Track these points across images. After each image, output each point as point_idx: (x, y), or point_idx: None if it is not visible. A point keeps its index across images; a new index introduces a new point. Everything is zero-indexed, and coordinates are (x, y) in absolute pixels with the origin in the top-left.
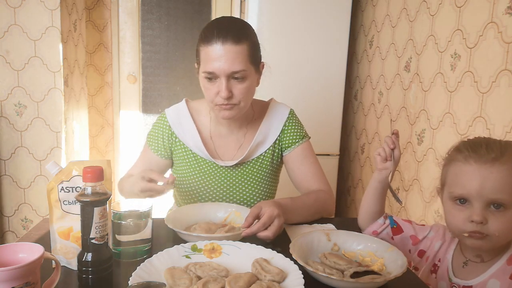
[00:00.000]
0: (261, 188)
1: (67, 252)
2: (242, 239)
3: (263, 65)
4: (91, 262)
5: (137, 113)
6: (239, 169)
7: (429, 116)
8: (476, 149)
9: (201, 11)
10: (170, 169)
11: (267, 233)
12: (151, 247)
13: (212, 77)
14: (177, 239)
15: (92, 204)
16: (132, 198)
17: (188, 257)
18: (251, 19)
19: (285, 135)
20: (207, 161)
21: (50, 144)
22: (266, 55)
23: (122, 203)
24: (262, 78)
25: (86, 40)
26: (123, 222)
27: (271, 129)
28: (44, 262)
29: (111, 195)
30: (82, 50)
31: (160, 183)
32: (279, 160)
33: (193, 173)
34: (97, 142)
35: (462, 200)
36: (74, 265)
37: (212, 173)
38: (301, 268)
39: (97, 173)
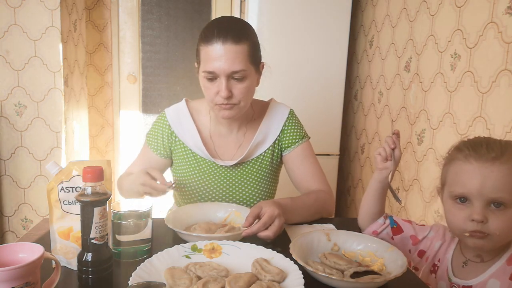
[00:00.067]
0: (261, 188)
1: (67, 252)
2: (242, 239)
3: (263, 65)
4: (91, 262)
5: (137, 113)
6: (239, 169)
7: (429, 116)
8: (477, 148)
9: (201, 11)
10: (169, 168)
11: (267, 233)
12: (151, 247)
13: (212, 76)
14: (177, 239)
15: (92, 204)
16: (130, 197)
17: (188, 257)
18: (251, 19)
19: (285, 135)
20: (207, 160)
21: (50, 144)
22: (266, 55)
23: (122, 203)
24: (262, 78)
25: (86, 40)
26: (123, 222)
27: (271, 129)
28: (44, 262)
29: (111, 195)
30: (82, 50)
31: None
32: (278, 160)
33: (193, 172)
34: (97, 142)
35: (463, 199)
36: (74, 265)
37: (212, 173)
38: (301, 268)
39: (97, 173)
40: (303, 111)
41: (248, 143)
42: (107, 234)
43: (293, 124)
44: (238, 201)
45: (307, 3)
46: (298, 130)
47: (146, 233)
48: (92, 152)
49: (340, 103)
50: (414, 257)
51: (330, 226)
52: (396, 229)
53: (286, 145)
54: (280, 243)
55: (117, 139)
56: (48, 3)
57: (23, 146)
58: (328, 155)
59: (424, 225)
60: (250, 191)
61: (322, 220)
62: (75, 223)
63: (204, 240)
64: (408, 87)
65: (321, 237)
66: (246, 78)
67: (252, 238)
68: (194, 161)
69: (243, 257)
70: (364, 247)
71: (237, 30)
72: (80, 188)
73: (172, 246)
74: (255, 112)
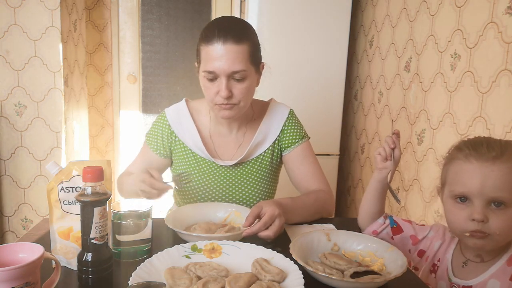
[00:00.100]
0: (261, 188)
1: (67, 252)
2: (242, 239)
3: (263, 66)
4: (91, 262)
5: (137, 113)
6: (239, 169)
7: (429, 116)
8: (477, 147)
9: (201, 11)
10: (169, 168)
11: (268, 233)
12: (151, 247)
13: (212, 76)
14: (177, 239)
15: (92, 204)
16: (129, 197)
17: (188, 257)
18: (251, 19)
19: (285, 135)
20: (207, 160)
21: (50, 144)
22: (266, 55)
23: (122, 203)
24: (262, 78)
25: (86, 40)
26: (123, 222)
27: (270, 129)
28: (44, 262)
29: (111, 195)
30: (82, 50)
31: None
32: (278, 160)
33: (193, 172)
34: (97, 142)
35: (463, 199)
36: (74, 265)
37: (212, 173)
38: (301, 268)
39: (97, 173)
40: (303, 111)
41: (248, 143)
42: (107, 234)
43: (293, 124)
44: (238, 201)
45: (307, 3)
46: (298, 130)
47: (146, 233)
48: (92, 152)
49: (340, 103)
50: (414, 257)
51: (330, 226)
52: (396, 229)
53: (286, 145)
54: (280, 243)
55: (117, 139)
56: (48, 3)
57: (23, 146)
58: (328, 155)
59: (424, 225)
60: (250, 191)
61: (322, 220)
62: (75, 223)
63: (204, 240)
64: (408, 87)
65: (321, 237)
66: (246, 78)
67: (252, 238)
68: (194, 161)
69: (243, 257)
70: (364, 247)
71: (237, 30)
72: (80, 188)
73: (172, 246)
74: (255, 112)
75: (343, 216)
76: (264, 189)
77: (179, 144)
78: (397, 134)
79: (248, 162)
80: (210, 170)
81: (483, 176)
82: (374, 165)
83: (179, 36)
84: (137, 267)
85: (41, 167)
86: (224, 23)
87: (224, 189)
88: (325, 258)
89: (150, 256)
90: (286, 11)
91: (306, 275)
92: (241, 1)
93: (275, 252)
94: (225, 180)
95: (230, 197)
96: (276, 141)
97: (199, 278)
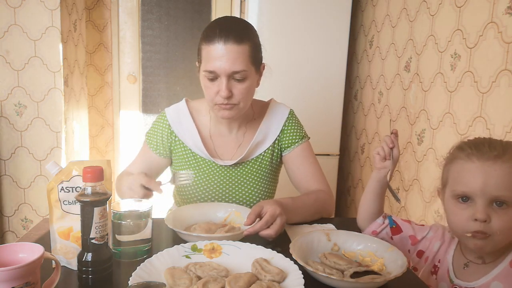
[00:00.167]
0: (261, 188)
1: (67, 252)
2: (242, 239)
3: (263, 66)
4: (91, 262)
5: (137, 113)
6: (239, 169)
7: (429, 116)
8: (479, 147)
9: (201, 11)
10: (169, 167)
11: (269, 232)
12: (151, 247)
13: (212, 76)
14: (177, 239)
15: (92, 204)
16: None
17: (188, 257)
18: (251, 19)
19: (285, 135)
20: (207, 160)
21: (50, 144)
22: (266, 55)
23: (122, 203)
24: (262, 79)
25: (86, 40)
26: (123, 222)
27: (270, 129)
28: (44, 262)
29: (111, 195)
30: (82, 50)
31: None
32: (278, 160)
33: (193, 172)
34: (97, 142)
35: (465, 198)
36: (74, 265)
37: (212, 173)
38: (301, 268)
39: (97, 173)
40: (303, 111)
41: (248, 143)
42: (107, 234)
43: (293, 124)
44: (238, 201)
45: (307, 3)
46: (298, 130)
47: (146, 233)
48: (92, 152)
49: (340, 103)
50: (413, 257)
51: (330, 226)
52: (395, 229)
53: (286, 145)
54: (280, 243)
55: (117, 139)
56: (48, 3)
57: (23, 146)
58: (328, 155)
59: (423, 225)
60: (250, 191)
61: (322, 220)
62: (75, 223)
63: (204, 240)
64: (408, 87)
65: (321, 237)
66: (246, 78)
67: (252, 238)
68: (194, 161)
69: (243, 257)
70: (364, 247)
71: (239, 31)
72: (80, 188)
73: (172, 246)
74: (255, 112)
75: (343, 216)
76: (264, 189)
77: (179, 144)
78: (395, 133)
79: (248, 162)
80: (210, 170)
81: (485, 175)
82: (373, 165)
83: (179, 36)
84: (137, 267)
85: (41, 167)
86: (226, 23)
87: (224, 189)
88: (325, 258)
89: (150, 256)
90: (286, 11)
91: (306, 275)
92: (241, 1)
93: (275, 252)
94: (225, 180)
95: (230, 197)
96: (276, 141)
97: (199, 278)
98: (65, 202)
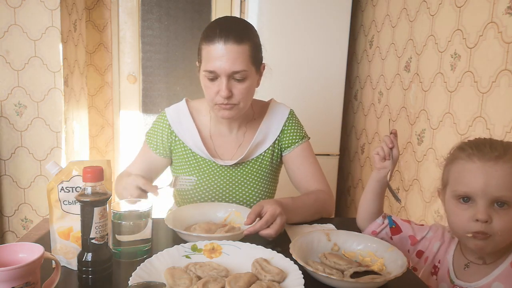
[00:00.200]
0: (261, 188)
1: (67, 252)
2: (242, 239)
3: (264, 66)
4: (91, 262)
5: (137, 113)
6: (239, 169)
7: (429, 116)
8: (480, 147)
9: (201, 11)
10: (169, 168)
11: (269, 231)
12: (151, 247)
13: (213, 76)
14: (177, 239)
15: (92, 204)
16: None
17: (188, 257)
18: (251, 19)
19: (285, 135)
20: (207, 160)
21: (50, 144)
22: (266, 55)
23: (122, 203)
24: (262, 79)
25: (86, 40)
26: (123, 222)
27: (271, 129)
28: (44, 262)
29: (111, 195)
30: (82, 50)
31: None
32: (278, 160)
33: (193, 172)
34: (97, 142)
35: (466, 199)
36: (74, 265)
37: (212, 173)
38: (301, 268)
39: (97, 173)
40: (303, 111)
41: (248, 143)
42: (107, 234)
43: (293, 124)
44: (238, 201)
45: (307, 3)
46: (298, 130)
47: (146, 233)
48: (92, 152)
49: (340, 103)
50: (412, 257)
51: (330, 226)
52: (395, 229)
53: (286, 145)
54: (280, 243)
55: (117, 139)
56: (48, 3)
57: (23, 146)
58: (328, 155)
59: (423, 225)
60: (250, 191)
61: (322, 220)
62: (75, 223)
63: (204, 240)
64: (408, 87)
65: (321, 237)
66: (246, 78)
67: (252, 238)
68: (194, 161)
69: (243, 257)
70: (364, 247)
71: (239, 31)
72: (80, 188)
73: (172, 246)
74: (255, 112)
75: (343, 216)
76: (264, 189)
77: (179, 144)
78: (394, 133)
79: (248, 162)
80: (210, 170)
81: (487, 176)
82: (373, 165)
83: (179, 36)
84: (137, 267)
85: (41, 167)
86: (226, 23)
87: (224, 189)
88: (325, 258)
89: (150, 256)
90: (286, 11)
91: (306, 275)
92: (241, 1)
93: (275, 252)
94: (225, 180)
95: (230, 197)
96: (276, 141)
97: (199, 278)
98: (65, 202)
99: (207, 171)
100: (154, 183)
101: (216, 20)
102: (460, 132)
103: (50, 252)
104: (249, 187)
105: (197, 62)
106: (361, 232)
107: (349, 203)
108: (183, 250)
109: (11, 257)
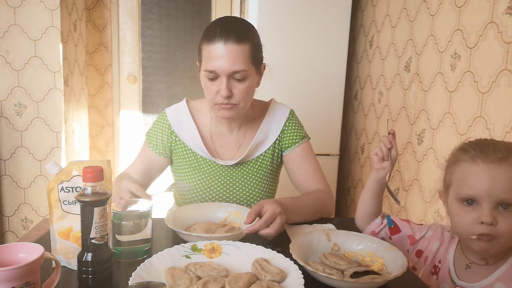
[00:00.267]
0: (261, 188)
1: (67, 252)
2: (242, 239)
3: (264, 67)
4: (91, 262)
5: (137, 113)
6: (239, 169)
7: (429, 116)
8: (483, 149)
9: (201, 11)
10: (169, 166)
11: (269, 231)
12: (151, 247)
13: (213, 76)
14: (177, 239)
15: (92, 204)
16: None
17: (188, 257)
18: (251, 19)
19: (285, 135)
20: (207, 160)
21: (50, 144)
22: (266, 55)
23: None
24: (263, 79)
25: (86, 40)
26: (123, 222)
27: (271, 129)
28: (44, 262)
29: (111, 195)
30: (82, 50)
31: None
32: (279, 160)
33: (193, 172)
34: (97, 142)
35: (470, 201)
36: (74, 265)
37: (212, 172)
38: (301, 268)
39: (97, 173)
40: (303, 111)
41: (249, 143)
42: (107, 234)
43: (293, 124)
44: (238, 201)
45: (307, 3)
46: (298, 131)
47: (146, 233)
48: (92, 152)
49: (340, 103)
50: (412, 257)
51: (330, 226)
52: (394, 228)
53: (286, 145)
54: (280, 243)
55: (117, 139)
56: (48, 3)
57: (23, 146)
58: (328, 155)
59: (422, 224)
60: (250, 191)
61: (322, 220)
62: (75, 223)
63: (204, 240)
64: (408, 87)
65: (321, 237)
66: (246, 78)
67: (252, 238)
68: (195, 161)
69: (243, 257)
70: (364, 247)
71: (239, 30)
72: (80, 188)
73: (172, 246)
74: (255, 112)
75: (343, 216)
76: (264, 189)
77: (180, 144)
78: (392, 134)
79: (248, 162)
80: (210, 170)
81: (491, 178)
82: (372, 165)
83: (179, 36)
84: (137, 267)
85: (41, 167)
86: (226, 23)
87: (224, 189)
88: (325, 258)
89: (150, 256)
90: (286, 11)
91: (306, 275)
92: (241, 1)
93: (275, 252)
94: (225, 180)
95: (231, 197)
96: (277, 141)
97: (199, 278)
98: (65, 202)
99: (207, 171)
100: (154, 184)
101: (216, 20)
102: (460, 132)
103: (50, 252)
104: (249, 187)
105: (197, 62)
106: (361, 232)
107: (349, 203)
108: (183, 250)
109: (11, 257)
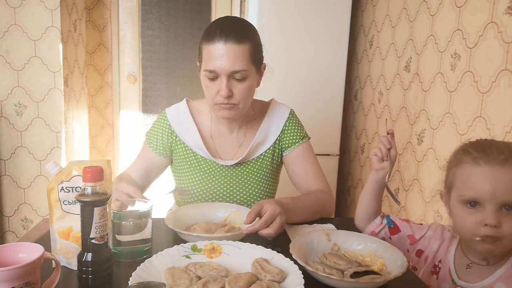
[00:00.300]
0: (261, 188)
1: (67, 252)
2: (242, 239)
3: (264, 66)
4: (91, 262)
5: (137, 113)
6: (239, 169)
7: (429, 116)
8: (486, 150)
9: (201, 11)
10: (169, 167)
11: (269, 231)
12: (151, 247)
13: (213, 76)
14: (177, 239)
15: (92, 204)
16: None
17: (188, 257)
18: (251, 19)
19: (285, 135)
20: (207, 160)
21: (50, 144)
22: (266, 55)
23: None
24: (263, 79)
25: (86, 40)
26: (123, 222)
27: (271, 129)
28: (44, 262)
29: (111, 195)
30: (82, 50)
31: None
32: (279, 160)
33: (193, 172)
34: (97, 142)
35: (473, 203)
36: (74, 265)
37: (212, 172)
38: (301, 268)
39: (97, 173)
40: (303, 111)
41: (249, 143)
42: (107, 234)
43: (294, 124)
44: (238, 201)
45: (307, 3)
46: (299, 131)
47: (146, 233)
48: (92, 152)
49: (340, 103)
50: (412, 257)
51: (330, 226)
52: (394, 228)
53: (286, 145)
54: (280, 243)
55: (117, 139)
56: (48, 3)
57: (23, 146)
58: (328, 155)
59: (421, 224)
60: (250, 191)
61: (322, 220)
62: (75, 223)
63: (204, 240)
64: (408, 87)
65: (321, 237)
66: (246, 78)
67: (252, 238)
68: (195, 161)
69: (243, 257)
70: (364, 247)
71: (239, 30)
72: (80, 188)
73: (172, 246)
74: (255, 112)
75: (343, 216)
76: (264, 189)
77: (180, 144)
78: (391, 134)
79: (248, 162)
80: (210, 169)
81: (494, 180)
82: (371, 165)
83: (179, 36)
84: (137, 267)
85: (41, 167)
86: (227, 23)
87: (224, 188)
88: (325, 258)
89: (150, 256)
90: (286, 11)
91: (306, 275)
92: (241, 1)
93: (275, 252)
94: (225, 180)
95: (231, 197)
96: (277, 141)
97: (199, 278)
98: (65, 202)
99: (207, 171)
100: (154, 184)
101: (216, 20)
102: (460, 132)
103: (50, 252)
104: (249, 187)
105: (197, 62)
106: (360, 233)
107: (349, 203)
108: (183, 250)
109: (11, 257)
